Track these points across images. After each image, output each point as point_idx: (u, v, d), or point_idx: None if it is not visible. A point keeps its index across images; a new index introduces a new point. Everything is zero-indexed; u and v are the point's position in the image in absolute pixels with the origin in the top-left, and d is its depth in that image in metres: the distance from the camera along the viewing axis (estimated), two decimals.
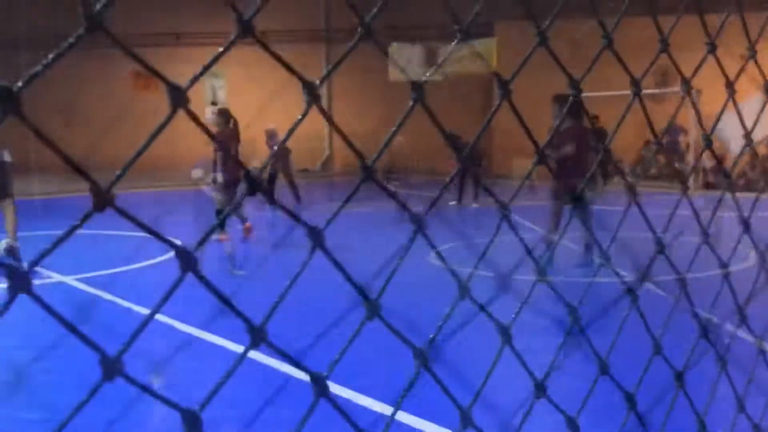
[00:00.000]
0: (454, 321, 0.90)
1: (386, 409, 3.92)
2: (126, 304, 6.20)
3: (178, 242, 0.63)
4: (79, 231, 0.59)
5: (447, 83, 20.23)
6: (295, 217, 0.74)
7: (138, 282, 7.17)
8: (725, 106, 1.28)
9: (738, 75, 1.36)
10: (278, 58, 0.68)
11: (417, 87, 0.79)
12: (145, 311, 5.80)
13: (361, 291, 0.76)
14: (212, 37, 23.45)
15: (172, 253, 0.65)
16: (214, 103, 23.70)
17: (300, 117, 0.70)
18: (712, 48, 1.23)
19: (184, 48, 23.08)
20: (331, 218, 0.74)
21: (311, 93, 0.69)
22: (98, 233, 10.21)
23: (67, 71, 23.39)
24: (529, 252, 0.98)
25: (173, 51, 23.32)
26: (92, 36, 0.55)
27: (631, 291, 1.16)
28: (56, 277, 7.38)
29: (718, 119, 1.32)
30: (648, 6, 1.09)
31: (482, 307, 0.92)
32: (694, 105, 1.25)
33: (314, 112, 0.72)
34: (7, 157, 9.20)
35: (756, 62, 1.33)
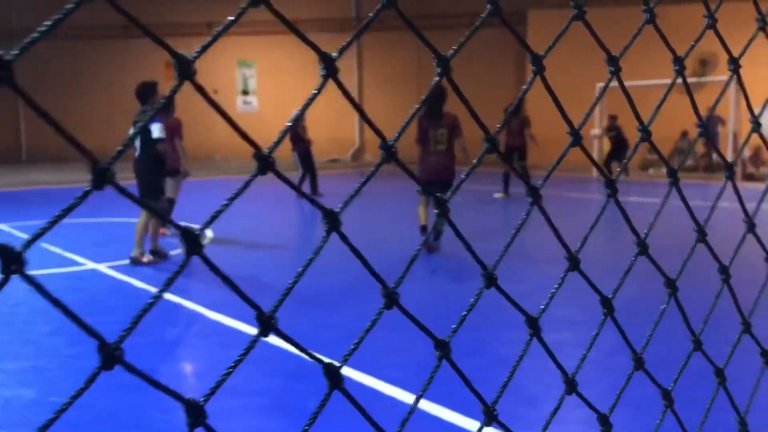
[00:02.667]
0: (479, 313, 0.88)
1: (406, 397, 3.90)
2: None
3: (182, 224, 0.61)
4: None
5: (478, 70, 20.06)
6: (313, 201, 0.73)
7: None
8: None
9: None
10: (295, 30, 0.66)
11: (444, 61, 0.77)
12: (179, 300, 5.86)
13: (380, 279, 0.75)
14: (243, 26, 23.59)
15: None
16: (245, 92, 23.86)
17: (316, 91, 0.68)
18: (763, 23, 1.18)
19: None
20: (348, 200, 0.72)
21: (329, 66, 0.67)
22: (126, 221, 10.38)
23: (108, 60, 23.80)
24: (564, 244, 0.96)
25: (204, 40, 23.48)
26: (125, 29, 0.53)
27: (671, 283, 1.13)
28: (90, 264, 7.50)
29: (767, 102, 1.28)
30: None
31: (509, 297, 0.90)
32: (742, 85, 1.20)
33: (344, 107, 0.70)
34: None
35: None
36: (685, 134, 18.05)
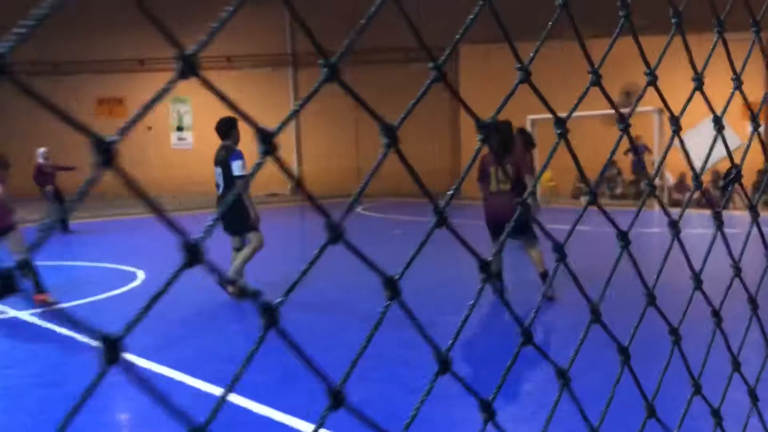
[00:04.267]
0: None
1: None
2: None
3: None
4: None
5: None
6: (322, 210, 0.71)
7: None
8: (671, 137, 1.30)
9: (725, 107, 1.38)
10: (231, 105, 0.65)
11: (391, 132, 0.78)
12: None
13: (383, 275, 0.75)
14: (175, 62, 23.29)
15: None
16: (179, 128, 23.56)
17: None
18: (700, 84, 1.26)
19: (147, 72, 22.96)
20: (342, 215, 0.72)
21: (267, 140, 0.66)
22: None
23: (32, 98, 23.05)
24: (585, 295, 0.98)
25: (137, 75, 23.19)
26: (57, 67, 0.52)
27: (674, 331, 1.17)
28: (11, 312, 7.19)
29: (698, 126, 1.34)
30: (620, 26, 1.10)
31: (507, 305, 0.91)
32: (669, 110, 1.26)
33: (282, 141, 0.69)
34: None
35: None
36: (613, 163, 18.71)
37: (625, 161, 18.44)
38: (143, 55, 22.57)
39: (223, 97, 0.63)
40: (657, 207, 13.10)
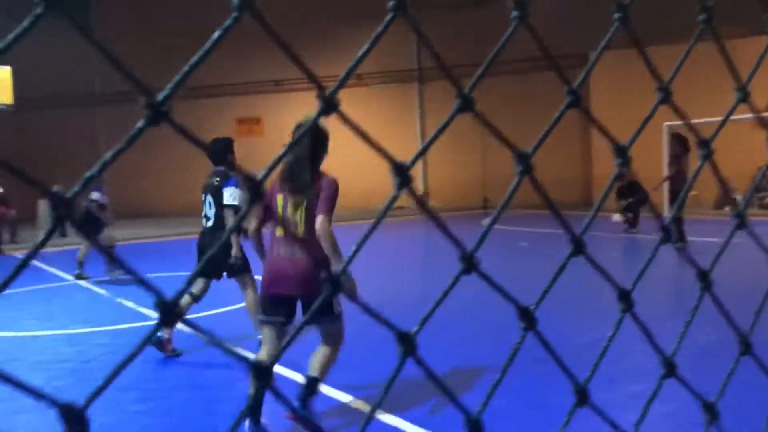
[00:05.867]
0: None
1: None
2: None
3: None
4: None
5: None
6: (457, 242, 0.73)
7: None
8: None
9: None
10: (365, 137, 0.67)
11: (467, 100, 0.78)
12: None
13: (518, 305, 0.76)
14: (246, 85, 24.29)
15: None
16: None
17: (389, 200, 0.68)
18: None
19: (282, 93, 24.00)
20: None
21: (401, 174, 0.67)
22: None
23: (180, 118, 24.74)
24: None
25: (272, 96, 24.31)
26: (201, 90, 0.56)
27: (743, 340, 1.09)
28: None
29: None
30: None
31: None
32: None
33: (407, 155, 0.70)
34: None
35: None
36: (760, 168, 17.38)
37: None
38: (278, 77, 23.63)
39: (359, 131, 0.65)
40: None
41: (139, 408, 4.74)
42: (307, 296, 4.06)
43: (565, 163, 21.07)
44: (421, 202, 0.70)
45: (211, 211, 6.05)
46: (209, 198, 6.08)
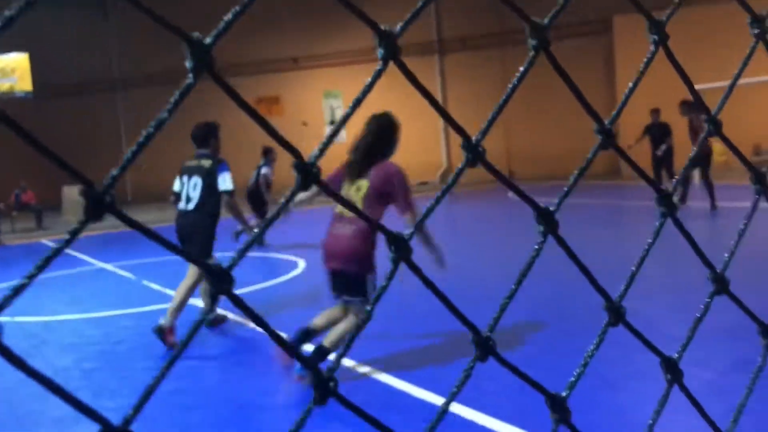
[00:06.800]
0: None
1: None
2: None
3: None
4: None
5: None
6: (534, 204, 0.73)
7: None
8: None
9: None
10: (433, 102, 0.65)
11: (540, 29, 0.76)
12: None
13: (608, 297, 0.75)
14: (328, 57, 24.18)
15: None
16: (332, 123, 24.34)
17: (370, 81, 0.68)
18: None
19: (301, 71, 23.94)
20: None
21: (388, 47, 0.66)
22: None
23: (200, 97, 24.85)
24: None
25: (290, 75, 24.24)
26: (220, 69, 0.55)
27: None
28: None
29: None
30: None
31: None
32: None
33: (431, 130, 0.70)
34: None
35: None
36: None
37: None
38: (296, 54, 23.54)
39: (426, 93, 0.64)
40: None
41: (168, 388, 4.81)
42: (350, 273, 4.37)
43: (590, 131, 20.78)
44: (497, 174, 0.71)
45: (195, 193, 5.92)
46: (195, 179, 5.96)
